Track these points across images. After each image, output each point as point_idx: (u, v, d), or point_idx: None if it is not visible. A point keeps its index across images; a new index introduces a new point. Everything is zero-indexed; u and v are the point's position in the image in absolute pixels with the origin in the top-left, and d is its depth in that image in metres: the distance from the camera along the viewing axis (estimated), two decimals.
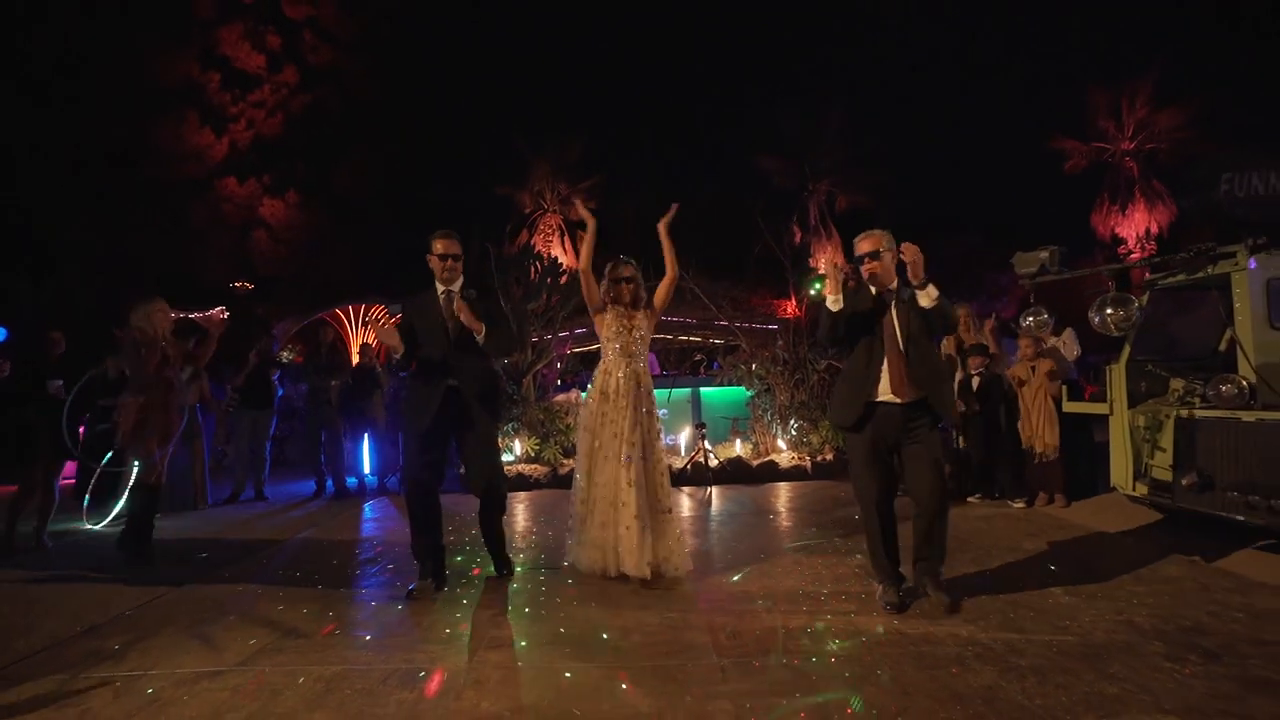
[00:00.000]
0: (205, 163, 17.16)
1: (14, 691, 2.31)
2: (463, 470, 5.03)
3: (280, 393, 6.92)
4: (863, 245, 2.95)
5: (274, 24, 18.36)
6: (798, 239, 18.58)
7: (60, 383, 4.57)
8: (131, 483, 4.07)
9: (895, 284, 2.93)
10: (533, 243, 9.77)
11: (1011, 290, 15.37)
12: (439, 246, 3.30)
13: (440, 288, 3.34)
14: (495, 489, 3.44)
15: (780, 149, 19.26)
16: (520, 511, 5.54)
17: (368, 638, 2.72)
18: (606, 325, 3.55)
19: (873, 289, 2.94)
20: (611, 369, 3.51)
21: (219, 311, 16.79)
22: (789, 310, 11.49)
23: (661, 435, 3.60)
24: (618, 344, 3.52)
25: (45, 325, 4.97)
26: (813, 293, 8.63)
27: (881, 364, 2.86)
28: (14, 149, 13.60)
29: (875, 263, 2.90)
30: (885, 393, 2.84)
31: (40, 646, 2.74)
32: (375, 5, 18.82)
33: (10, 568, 4.06)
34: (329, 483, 6.75)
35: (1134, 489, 4.48)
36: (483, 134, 18.30)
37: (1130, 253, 19.71)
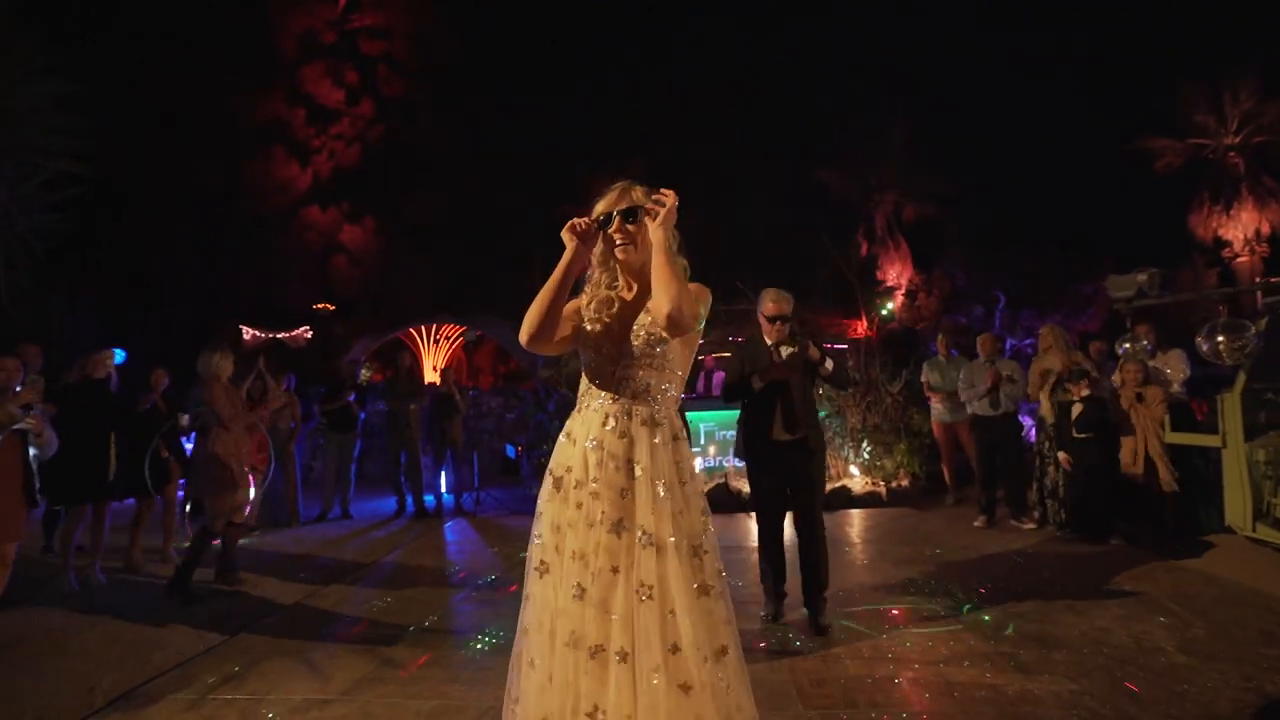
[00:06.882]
0: (291, 194, 18.42)
1: (152, 709, 2.55)
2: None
3: (364, 416, 7.29)
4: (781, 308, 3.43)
5: (352, 60, 19.58)
6: (864, 251, 18.08)
7: (188, 415, 4.95)
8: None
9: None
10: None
11: (1097, 301, 14.25)
12: None
13: None
14: None
15: (840, 160, 18.80)
16: None
17: (460, 672, 2.84)
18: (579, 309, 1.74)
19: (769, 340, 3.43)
20: (589, 417, 1.63)
21: (304, 331, 17.93)
22: (859, 330, 11.18)
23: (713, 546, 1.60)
24: (593, 351, 1.67)
25: (154, 354, 5.46)
26: (884, 313, 8.38)
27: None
28: (128, 196, 15.00)
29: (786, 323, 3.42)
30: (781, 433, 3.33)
31: (171, 663, 3.00)
32: (441, 37, 19.74)
33: (143, 578, 4.51)
34: (409, 501, 7.08)
35: (1254, 530, 4.12)
36: (544, 156, 18.81)
37: (1236, 256, 18.13)
